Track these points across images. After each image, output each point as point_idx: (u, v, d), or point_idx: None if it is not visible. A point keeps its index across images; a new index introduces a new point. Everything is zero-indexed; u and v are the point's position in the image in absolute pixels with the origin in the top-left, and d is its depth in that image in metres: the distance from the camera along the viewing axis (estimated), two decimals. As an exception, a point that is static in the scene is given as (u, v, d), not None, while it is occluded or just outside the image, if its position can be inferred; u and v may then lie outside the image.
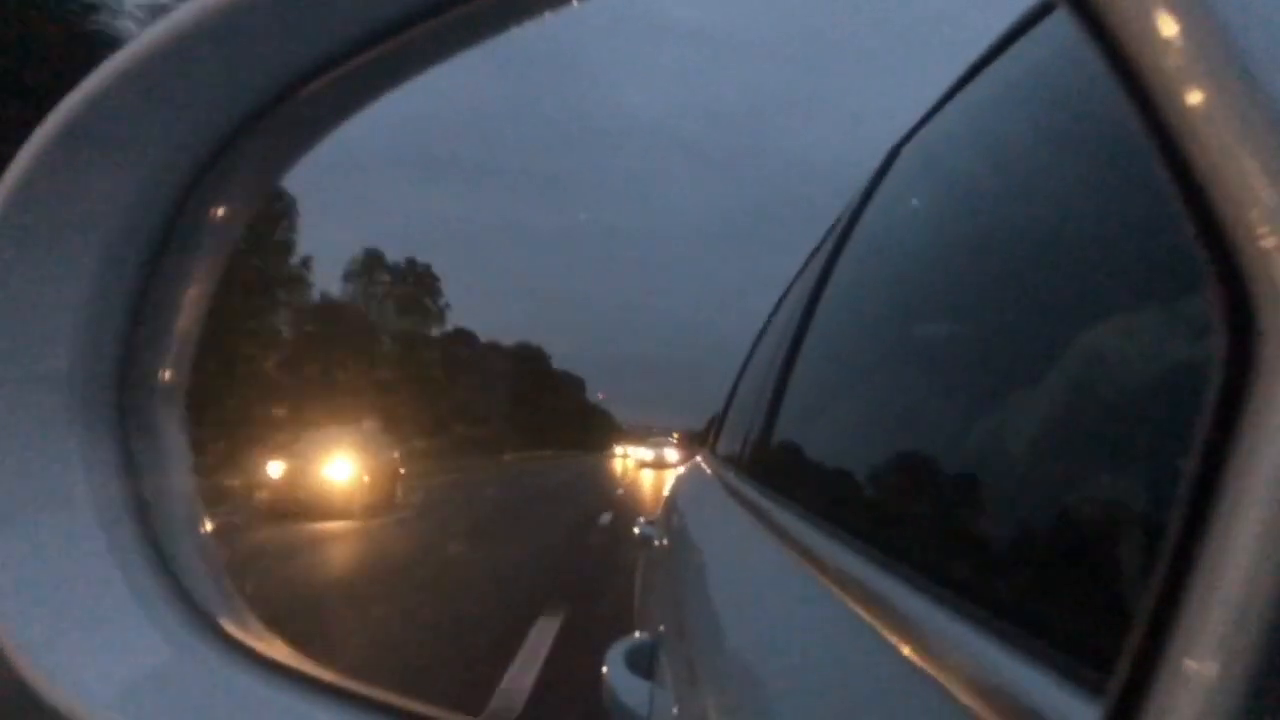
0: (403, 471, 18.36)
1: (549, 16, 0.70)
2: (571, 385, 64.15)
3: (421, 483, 19.95)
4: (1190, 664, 0.27)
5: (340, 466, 16.04)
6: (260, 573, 7.05)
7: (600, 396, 70.98)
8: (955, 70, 1.15)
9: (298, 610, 6.04)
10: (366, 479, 16.24)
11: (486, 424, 48.95)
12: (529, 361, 58.75)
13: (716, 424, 3.08)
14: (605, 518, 14.59)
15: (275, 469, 16.04)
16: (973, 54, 1.07)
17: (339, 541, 12.94)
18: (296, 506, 14.61)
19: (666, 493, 3.07)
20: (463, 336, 50.94)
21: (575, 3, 0.69)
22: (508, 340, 58.97)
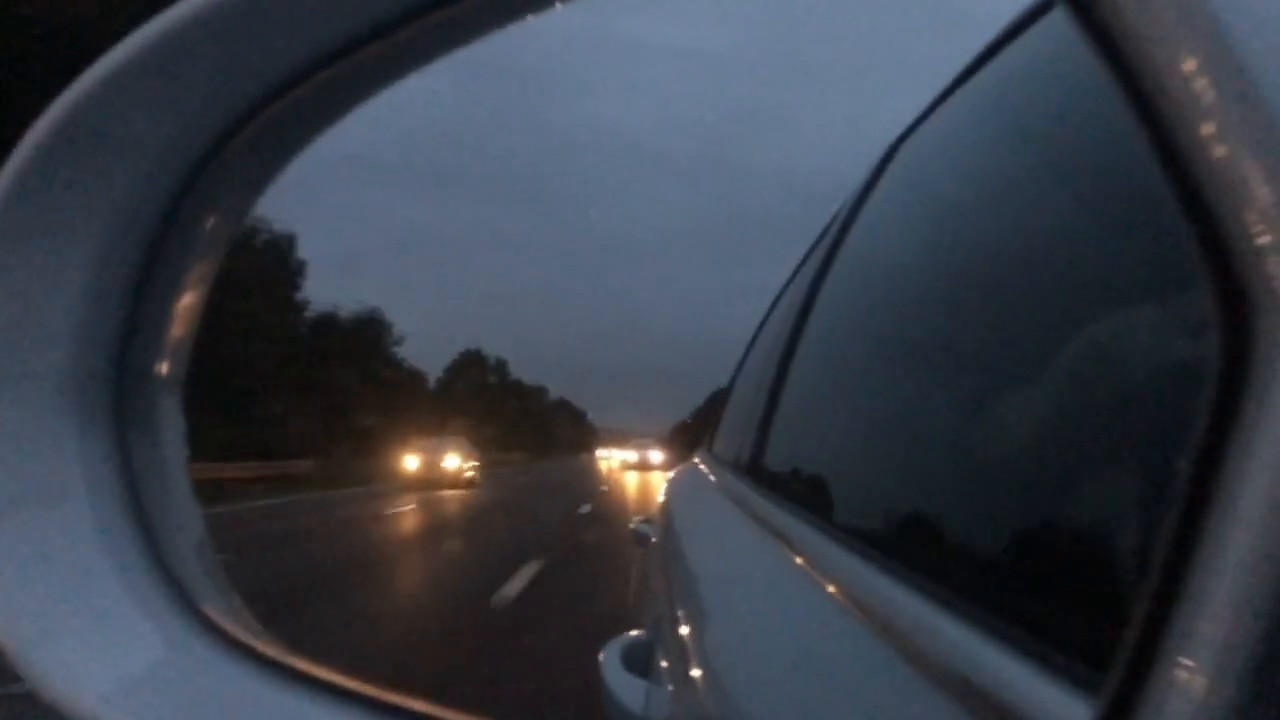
0: (478, 464, 32.61)
1: (531, 22, 0.70)
2: (577, 413, 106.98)
3: (488, 471, 35.57)
4: (1186, 663, 0.27)
5: (449, 460, 30.37)
6: (428, 509, 20.20)
7: (589, 416, 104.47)
8: (931, 83, 1.16)
9: (461, 518, 19.21)
10: (463, 467, 30.49)
11: (524, 436, 78.47)
12: (564, 408, 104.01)
13: (712, 424, 3.08)
14: (604, 487, 28.10)
15: (411, 461, 30.63)
16: (945, 72, 1.09)
17: (461, 498, 24.78)
18: (425, 483, 28.25)
19: (661, 495, 3.07)
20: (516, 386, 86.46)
21: (559, 5, 0.69)
22: (553, 395, 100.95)
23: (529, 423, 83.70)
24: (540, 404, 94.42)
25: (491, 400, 72.06)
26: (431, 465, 29.73)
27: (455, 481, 28.94)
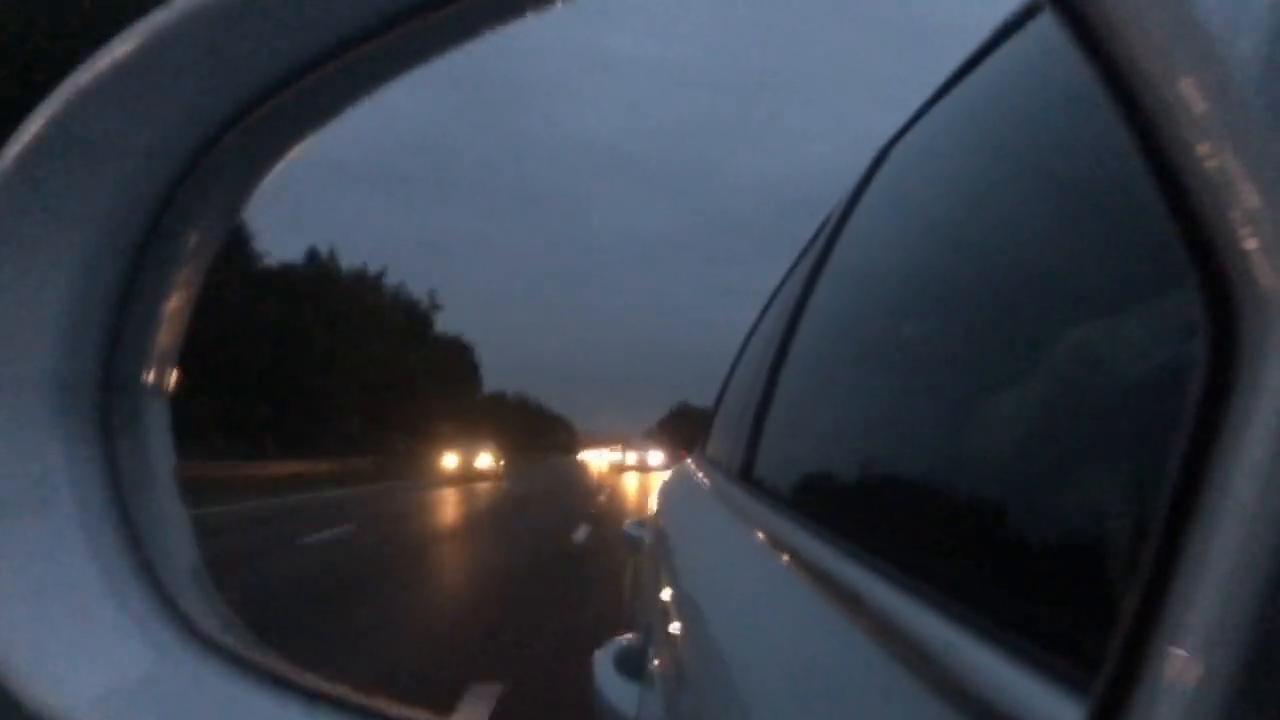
0: (503, 463, 43.43)
1: (519, 31, 0.70)
2: (568, 425, 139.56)
3: (509, 468, 46.55)
4: (1176, 662, 0.27)
5: (482, 459, 40.92)
6: (469, 498, 27.11)
7: (579, 428, 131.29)
8: (911, 93, 1.17)
9: (493, 502, 26.02)
10: (493, 464, 41.04)
11: (530, 442, 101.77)
12: (560, 421, 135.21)
13: (705, 427, 3.08)
14: (601, 496, 29.64)
15: (450, 460, 40.35)
16: (928, 82, 1.09)
17: (493, 489, 30.94)
18: (462, 478, 36.60)
19: (654, 497, 3.07)
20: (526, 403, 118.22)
21: (560, 3, 0.69)
22: (554, 409, 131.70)
23: (536, 432, 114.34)
24: (545, 420, 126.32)
25: (514, 419, 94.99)
26: (466, 464, 40.06)
27: (485, 476, 38.60)
